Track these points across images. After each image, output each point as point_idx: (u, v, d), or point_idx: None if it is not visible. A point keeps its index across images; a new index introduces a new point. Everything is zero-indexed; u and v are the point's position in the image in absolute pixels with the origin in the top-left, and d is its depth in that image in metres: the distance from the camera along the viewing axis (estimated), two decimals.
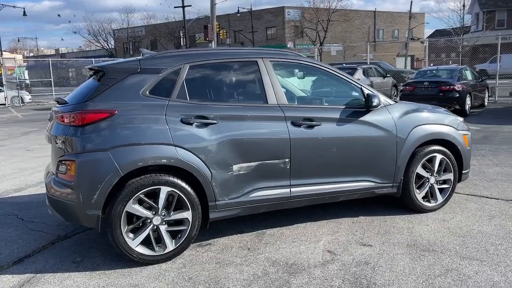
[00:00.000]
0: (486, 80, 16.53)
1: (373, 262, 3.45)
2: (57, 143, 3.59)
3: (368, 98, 4.15)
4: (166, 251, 3.56)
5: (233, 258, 3.62)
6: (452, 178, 4.65)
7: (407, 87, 13.98)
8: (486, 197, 5.03)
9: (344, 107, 4.19)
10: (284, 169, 3.89)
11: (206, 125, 3.63)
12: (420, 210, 4.55)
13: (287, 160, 3.88)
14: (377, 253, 3.61)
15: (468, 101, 13.33)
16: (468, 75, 14.48)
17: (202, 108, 3.68)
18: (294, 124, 3.91)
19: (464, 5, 40.02)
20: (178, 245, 3.60)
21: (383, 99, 4.32)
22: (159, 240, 3.56)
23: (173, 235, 3.61)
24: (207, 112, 3.67)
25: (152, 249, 3.53)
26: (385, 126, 4.26)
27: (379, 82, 16.86)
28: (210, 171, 3.61)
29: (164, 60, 3.76)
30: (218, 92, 3.96)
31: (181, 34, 42.95)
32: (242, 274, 3.33)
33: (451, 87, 13.05)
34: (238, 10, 50.23)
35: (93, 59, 27.81)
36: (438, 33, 53.11)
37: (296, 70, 4.45)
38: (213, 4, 26.39)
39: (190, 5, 47.38)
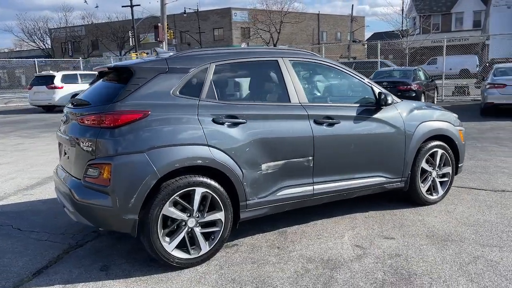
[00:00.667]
0: (435, 81, 17.56)
1: (404, 254, 3.59)
2: (80, 146, 3.40)
3: (380, 96, 4.31)
4: (201, 253, 3.50)
5: (267, 257, 3.62)
6: (450, 172, 4.93)
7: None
8: (476, 189, 5.37)
9: (358, 105, 4.32)
10: (307, 167, 3.95)
11: (236, 124, 3.60)
12: (424, 203, 4.78)
13: (310, 158, 3.94)
14: (403, 245, 3.76)
15: (423, 100, 14.09)
16: (421, 75, 15.33)
17: (231, 108, 3.66)
18: (316, 122, 3.98)
19: (402, 10, 42.10)
20: (212, 247, 3.55)
21: (393, 97, 4.50)
22: (193, 242, 3.49)
23: (206, 237, 3.55)
24: (237, 111, 3.65)
25: (187, 252, 3.45)
26: (395, 123, 4.44)
27: None
28: (242, 171, 3.59)
29: (191, 60, 3.69)
30: (244, 91, 3.95)
31: (130, 34, 41.69)
32: (284, 272, 3.34)
33: (408, 86, 13.74)
34: (185, 11, 49.59)
35: (35, 60, 26.30)
36: (376, 36, 55.63)
37: (313, 69, 4.51)
38: (163, 4, 25.93)
39: (139, 5, 45.97)
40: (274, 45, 34.88)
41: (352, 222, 4.37)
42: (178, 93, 3.51)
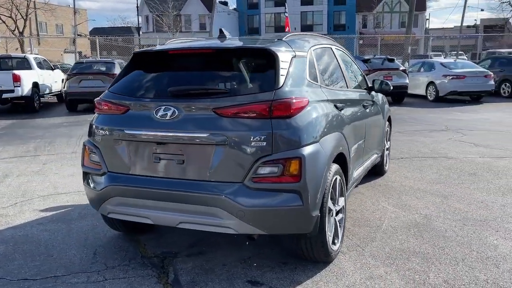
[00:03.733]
0: None
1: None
2: (239, 142, 2.82)
3: (373, 82, 5.00)
4: (338, 244, 3.43)
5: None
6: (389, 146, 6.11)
7: None
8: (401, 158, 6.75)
9: (366, 90, 4.89)
10: (362, 149, 4.31)
11: (341, 109, 3.66)
12: (384, 172, 5.79)
13: (363, 140, 4.32)
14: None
15: None
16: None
17: (336, 94, 3.68)
18: (364, 106, 4.39)
19: (137, 6, 42.70)
20: (342, 236, 3.52)
21: None
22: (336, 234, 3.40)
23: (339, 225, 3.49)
24: (340, 97, 3.71)
25: (334, 244, 3.34)
26: (382, 107, 5.26)
27: None
28: (350, 156, 3.69)
29: (303, 43, 3.49)
30: (332, 76, 3.94)
31: None
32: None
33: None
34: None
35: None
36: (98, 31, 54.32)
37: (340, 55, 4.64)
38: None
39: None
40: (21, 33, 29.44)
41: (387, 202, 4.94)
42: (309, 78, 3.30)
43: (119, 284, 3.07)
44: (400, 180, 5.53)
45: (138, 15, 43.99)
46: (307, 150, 2.86)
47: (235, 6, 52.89)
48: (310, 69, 3.39)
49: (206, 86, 3.08)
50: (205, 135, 2.87)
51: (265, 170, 2.81)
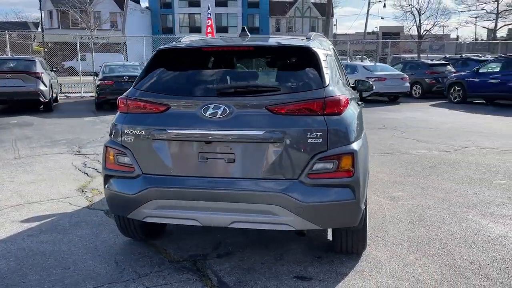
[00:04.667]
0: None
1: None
2: (296, 139, 2.85)
3: (356, 82, 5.29)
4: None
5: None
6: None
7: (105, 81, 13.87)
8: None
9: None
10: None
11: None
12: None
13: None
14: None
15: None
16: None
17: (351, 92, 3.87)
18: (358, 104, 4.64)
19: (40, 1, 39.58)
20: None
21: None
22: None
23: None
24: (352, 95, 3.91)
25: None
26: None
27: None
28: None
29: (326, 43, 3.64)
30: (342, 75, 4.10)
31: None
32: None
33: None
34: None
35: None
36: None
37: None
38: None
39: None
40: None
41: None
42: (338, 76, 3.43)
43: None
44: (374, 174, 5.89)
45: (40, 9, 40.74)
46: (356, 145, 2.99)
47: (147, 5, 51.38)
48: (337, 68, 3.53)
49: (257, 84, 3.07)
50: (261, 133, 2.85)
51: (320, 166, 2.88)
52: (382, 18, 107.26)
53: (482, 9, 42.38)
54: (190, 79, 3.20)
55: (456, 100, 15.79)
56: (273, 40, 3.41)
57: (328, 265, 3.28)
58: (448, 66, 18.80)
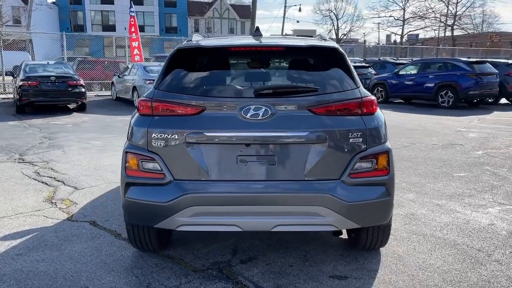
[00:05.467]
0: None
1: None
2: (339, 139, 2.88)
3: None
4: None
5: None
6: None
7: (29, 82, 12.71)
8: None
9: None
10: None
11: None
12: None
13: None
14: None
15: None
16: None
17: None
18: None
19: None
20: None
21: None
22: None
23: None
24: None
25: None
26: None
27: None
28: None
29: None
30: None
31: None
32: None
33: (77, 82, 13.29)
34: None
35: None
36: None
37: None
38: None
39: None
40: None
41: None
42: None
43: None
44: None
45: None
46: (389, 144, 3.08)
47: (54, 0, 47.93)
48: None
49: (295, 84, 3.02)
50: (305, 134, 2.83)
51: (360, 166, 2.93)
52: (297, 21, 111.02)
53: (390, 16, 45.93)
54: (223, 79, 3.07)
55: (379, 100, 16.84)
56: (295, 40, 3.39)
57: (355, 263, 3.34)
58: (370, 68, 20.03)
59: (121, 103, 15.87)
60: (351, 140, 2.90)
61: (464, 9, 48.53)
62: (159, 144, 2.90)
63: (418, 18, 45.14)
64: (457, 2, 48.03)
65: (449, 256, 3.46)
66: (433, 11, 46.47)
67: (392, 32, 50.60)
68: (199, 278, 3.12)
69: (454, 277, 3.14)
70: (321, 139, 2.85)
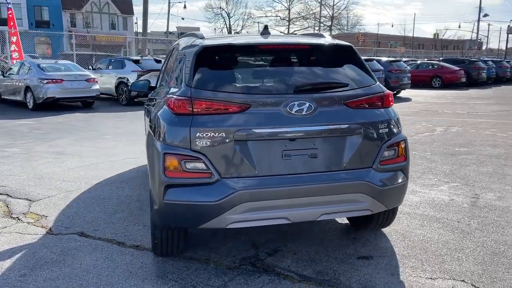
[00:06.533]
0: None
1: None
2: (370, 130, 3.12)
3: None
4: None
5: None
6: None
7: None
8: None
9: None
10: None
11: None
12: None
13: None
14: None
15: None
16: None
17: None
18: None
19: None
20: None
21: None
22: None
23: None
24: None
25: None
26: None
27: None
28: None
29: None
30: None
31: None
32: None
33: None
34: None
35: None
36: None
37: None
38: None
39: None
40: None
41: None
42: None
43: None
44: None
45: None
46: (404, 133, 3.42)
47: None
48: None
49: (331, 80, 3.17)
50: (344, 126, 3.02)
51: (387, 154, 3.21)
52: (182, 18, 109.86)
53: (277, 16, 48.25)
54: (261, 77, 3.10)
55: None
56: (312, 39, 3.55)
57: (370, 244, 3.64)
58: None
59: (9, 106, 14.25)
60: (380, 131, 3.17)
61: (340, 11, 53.47)
62: (204, 143, 2.84)
63: (301, 18, 48.42)
64: (333, 5, 52.77)
65: (439, 229, 3.96)
66: (313, 13, 50.27)
67: (280, 32, 53.18)
68: (239, 274, 3.13)
69: (456, 245, 3.61)
70: (358, 131, 3.07)
